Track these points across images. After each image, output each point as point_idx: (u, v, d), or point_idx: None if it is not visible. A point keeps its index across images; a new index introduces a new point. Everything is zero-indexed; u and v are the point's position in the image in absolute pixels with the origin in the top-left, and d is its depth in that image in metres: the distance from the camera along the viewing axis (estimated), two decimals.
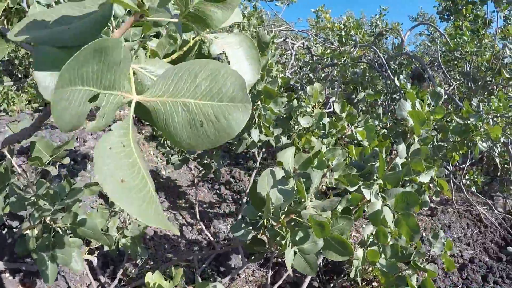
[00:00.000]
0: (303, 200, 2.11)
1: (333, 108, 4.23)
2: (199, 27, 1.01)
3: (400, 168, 2.56)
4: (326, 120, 4.04)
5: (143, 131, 6.98)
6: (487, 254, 5.27)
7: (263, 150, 5.19)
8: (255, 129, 3.59)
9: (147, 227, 4.54)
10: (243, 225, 2.31)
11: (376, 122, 5.58)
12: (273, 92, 3.41)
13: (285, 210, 2.16)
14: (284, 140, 4.39)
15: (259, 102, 3.58)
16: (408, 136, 2.86)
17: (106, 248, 4.17)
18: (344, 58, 5.45)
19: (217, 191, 5.70)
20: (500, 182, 6.68)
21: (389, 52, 8.31)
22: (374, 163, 2.81)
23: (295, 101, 4.25)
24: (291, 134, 4.60)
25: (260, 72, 3.56)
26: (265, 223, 2.26)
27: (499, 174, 6.66)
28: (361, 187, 2.43)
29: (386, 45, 9.25)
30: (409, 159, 2.63)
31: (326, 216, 2.13)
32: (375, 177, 2.75)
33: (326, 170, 2.32)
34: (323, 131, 4.27)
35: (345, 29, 6.34)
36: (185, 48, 1.37)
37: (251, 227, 2.28)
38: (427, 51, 10.87)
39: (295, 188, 2.18)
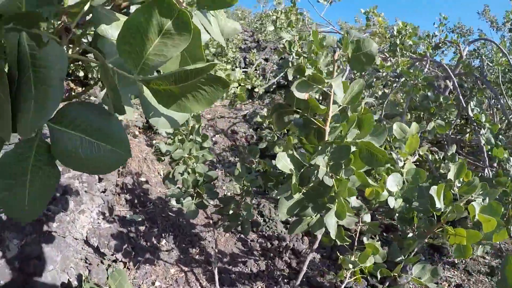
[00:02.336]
0: None
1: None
2: None
3: None
4: (432, 191, 2.06)
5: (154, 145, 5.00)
6: None
7: None
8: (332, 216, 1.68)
9: None
10: None
11: (450, 165, 3.58)
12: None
13: None
14: None
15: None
16: None
17: None
18: (414, 77, 3.47)
19: (241, 235, 3.75)
20: None
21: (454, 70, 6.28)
22: None
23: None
24: None
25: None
26: None
27: None
28: None
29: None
30: None
31: None
32: None
33: None
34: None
35: (400, 37, 4.30)
36: None
37: None
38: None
39: None
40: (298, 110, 1.82)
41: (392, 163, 1.56)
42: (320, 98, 2.25)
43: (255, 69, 7.33)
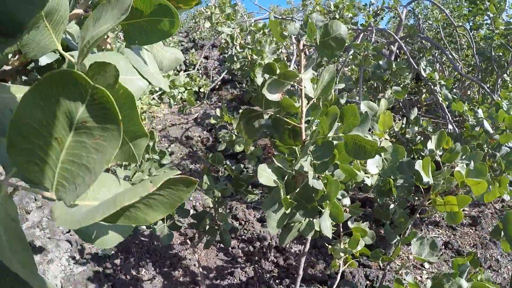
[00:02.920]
0: None
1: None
2: None
3: None
4: (417, 166, 1.95)
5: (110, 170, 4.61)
6: None
7: None
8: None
9: None
10: None
11: (416, 129, 3.53)
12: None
13: None
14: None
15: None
16: None
17: None
18: (364, 48, 3.35)
19: (220, 244, 3.53)
20: None
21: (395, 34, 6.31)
22: None
23: None
24: None
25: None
26: None
27: None
28: None
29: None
30: None
31: None
32: None
33: None
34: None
35: (338, 11, 4.19)
36: None
37: None
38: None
39: None
40: (268, 112, 1.60)
41: (382, 152, 1.39)
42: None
43: (197, 69, 7.03)
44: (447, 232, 3.98)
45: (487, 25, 4.34)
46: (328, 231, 1.62)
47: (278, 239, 3.70)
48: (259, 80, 1.39)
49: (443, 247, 3.84)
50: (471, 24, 4.41)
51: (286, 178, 1.53)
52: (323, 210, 1.67)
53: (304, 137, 1.61)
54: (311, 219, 1.81)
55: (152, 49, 1.15)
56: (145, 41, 0.90)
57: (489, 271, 3.65)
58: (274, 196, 1.49)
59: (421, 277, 3.52)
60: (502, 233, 2.32)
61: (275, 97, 1.42)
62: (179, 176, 0.55)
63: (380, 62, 3.57)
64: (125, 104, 0.67)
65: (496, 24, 3.99)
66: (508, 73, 4.44)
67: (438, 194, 2.13)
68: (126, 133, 0.72)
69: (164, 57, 1.19)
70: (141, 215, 0.55)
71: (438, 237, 3.91)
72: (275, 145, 1.77)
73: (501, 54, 4.46)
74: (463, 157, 2.14)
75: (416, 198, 4.22)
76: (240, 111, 1.65)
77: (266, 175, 1.43)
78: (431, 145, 2.11)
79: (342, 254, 2.73)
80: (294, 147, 1.69)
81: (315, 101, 1.63)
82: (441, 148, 2.16)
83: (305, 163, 1.42)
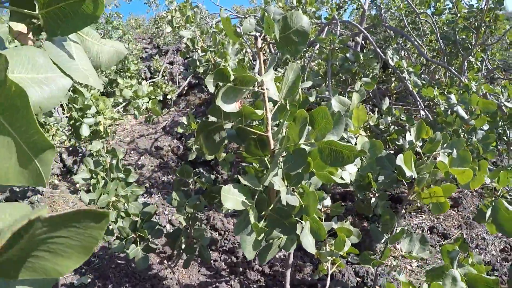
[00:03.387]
0: None
1: None
2: None
3: None
4: (399, 161, 1.77)
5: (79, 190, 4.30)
6: None
7: None
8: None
9: None
10: None
11: (389, 119, 3.38)
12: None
13: None
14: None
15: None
16: None
17: None
18: (329, 42, 3.16)
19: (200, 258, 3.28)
20: None
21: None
22: None
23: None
24: None
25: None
26: None
27: None
28: None
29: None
30: None
31: None
32: None
33: None
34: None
35: (301, 6, 4.03)
36: None
37: None
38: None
39: None
40: (228, 122, 1.38)
41: (362, 155, 1.19)
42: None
43: (163, 76, 6.73)
44: (430, 217, 3.86)
45: (449, 10, 4.26)
46: (311, 248, 1.42)
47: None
48: (210, 89, 1.17)
49: (429, 232, 3.72)
50: (433, 10, 4.31)
51: (257, 196, 1.32)
52: (303, 223, 1.46)
53: (272, 147, 1.40)
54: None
55: (85, 42, 0.94)
56: (69, 30, 0.77)
57: (477, 250, 3.55)
58: (245, 218, 1.27)
59: (411, 266, 3.38)
60: (487, 217, 2.17)
61: (232, 107, 1.20)
62: (81, 210, 0.43)
63: (347, 55, 3.40)
64: (20, 106, 0.52)
65: (459, 8, 3.90)
66: (473, 55, 4.36)
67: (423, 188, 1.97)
68: (28, 146, 0.55)
69: (102, 50, 0.99)
70: (50, 265, 0.46)
71: (422, 223, 3.78)
72: (243, 156, 1.55)
73: (464, 36, 4.38)
74: (444, 145, 1.98)
75: (396, 186, 4.08)
76: (198, 123, 1.43)
77: (232, 198, 1.21)
78: (410, 137, 1.94)
79: (329, 258, 2.55)
80: (263, 157, 1.48)
81: (282, 102, 1.42)
82: (420, 139, 1.99)
83: (276, 178, 1.21)
